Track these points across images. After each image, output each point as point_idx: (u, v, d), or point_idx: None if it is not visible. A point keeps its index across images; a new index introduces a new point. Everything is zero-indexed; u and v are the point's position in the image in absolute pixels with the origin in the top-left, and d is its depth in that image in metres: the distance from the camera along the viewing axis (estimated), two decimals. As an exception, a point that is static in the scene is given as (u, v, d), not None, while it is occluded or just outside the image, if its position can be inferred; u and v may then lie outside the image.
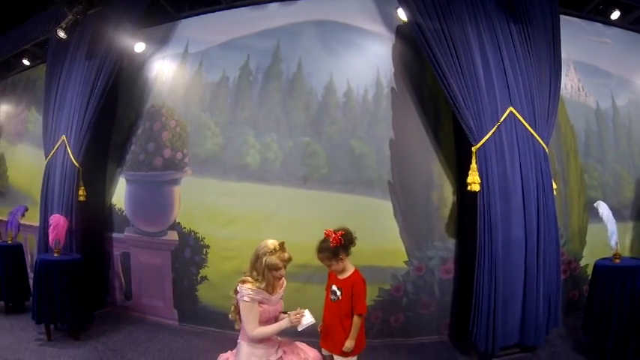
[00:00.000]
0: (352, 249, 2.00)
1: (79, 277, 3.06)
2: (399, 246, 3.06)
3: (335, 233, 1.94)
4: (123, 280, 3.71)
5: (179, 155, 3.45)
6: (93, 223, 3.67)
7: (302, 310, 1.83)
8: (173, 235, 3.41)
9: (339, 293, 1.99)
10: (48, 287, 2.93)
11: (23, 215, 3.76)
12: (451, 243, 3.10)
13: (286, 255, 1.83)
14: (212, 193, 3.26)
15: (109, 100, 3.66)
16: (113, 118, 3.85)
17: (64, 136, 3.53)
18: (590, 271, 3.32)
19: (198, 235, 3.31)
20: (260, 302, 1.78)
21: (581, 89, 3.52)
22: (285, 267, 1.83)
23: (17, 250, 3.63)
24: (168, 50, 3.62)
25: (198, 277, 3.30)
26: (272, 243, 1.81)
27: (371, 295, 2.80)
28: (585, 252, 3.43)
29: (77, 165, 3.47)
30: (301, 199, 3.10)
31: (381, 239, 3.02)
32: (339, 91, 3.19)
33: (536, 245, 2.59)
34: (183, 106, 3.50)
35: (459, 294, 3.07)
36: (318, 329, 2.03)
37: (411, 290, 3.05)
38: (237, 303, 1.81)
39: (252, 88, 3.31)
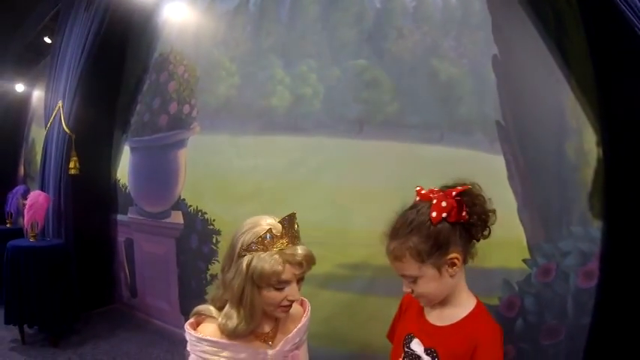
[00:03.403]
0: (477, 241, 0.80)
1: (59, 269, 2.37)
2: (517, 233, 1.70)
3: (443, 192, 0.79)
4: (127, 273, 2.95)
5: (186, 109, 2.55)
6: (94, 203, 2.98)
7: None
8: (177, 217, 2.52)
9: None
10: (19, 280, 2.25)
11: (25, 197, 3.22)
12: (596, 228, 1.68)
13: (299, 251, 0.76)
14: (224, 156, 2.29)
15: (114, 57, 3.08)
16: (120, 78, 3.20)
17: (60, 102, 2.95)
18: None
19: (206, 216, 2.36)
20: None
21: None
22: (299, 278, 0.79)
23: (17, 234, 3.04)
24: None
25: (208, 276, 2.35)
26: (266, 222, 0.77)
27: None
28: None
29: (68, 131, 2.80)
30: (356, 155, 1.95)
31: (487, 221, 1.75)
32: (406, -9, 2.02)
33: None
34: (194, 47, 2.63)
35: (602, 314, 1.70)
36: None
37: (532, 307, 1.70)
38: None
39: (280, 7, 2.30)
